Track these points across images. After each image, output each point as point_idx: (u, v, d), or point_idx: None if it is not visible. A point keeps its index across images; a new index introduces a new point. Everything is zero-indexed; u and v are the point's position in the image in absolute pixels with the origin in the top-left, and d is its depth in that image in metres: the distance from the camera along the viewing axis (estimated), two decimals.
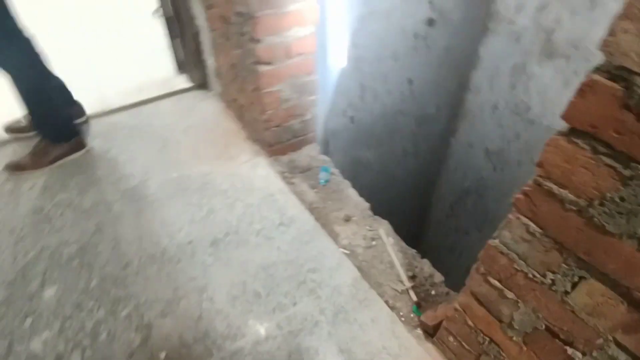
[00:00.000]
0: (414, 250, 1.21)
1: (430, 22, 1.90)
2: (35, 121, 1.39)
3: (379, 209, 1.37)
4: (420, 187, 2.67)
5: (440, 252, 2.71)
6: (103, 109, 1.69)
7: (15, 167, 1.40)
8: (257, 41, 1.13)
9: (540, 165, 0.51)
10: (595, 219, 0.48)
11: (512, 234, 0.60)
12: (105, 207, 1.30)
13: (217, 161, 1.46)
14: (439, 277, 1.14)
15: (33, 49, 1.29)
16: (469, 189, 2.46)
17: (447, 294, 1.11)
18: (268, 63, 1.20)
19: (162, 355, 0.95)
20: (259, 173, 1.41)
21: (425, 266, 1.17)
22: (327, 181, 1.40)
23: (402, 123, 2.27)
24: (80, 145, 1.48)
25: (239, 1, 1.12)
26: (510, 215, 0.59)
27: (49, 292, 1.07)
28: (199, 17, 1.53)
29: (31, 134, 1.47)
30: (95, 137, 1.56)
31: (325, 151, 1.86)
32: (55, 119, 1.39)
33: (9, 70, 1.24)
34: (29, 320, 1.02)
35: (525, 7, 1.81)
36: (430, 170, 2.62)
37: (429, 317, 0.99)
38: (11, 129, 1.54)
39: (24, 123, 1.52)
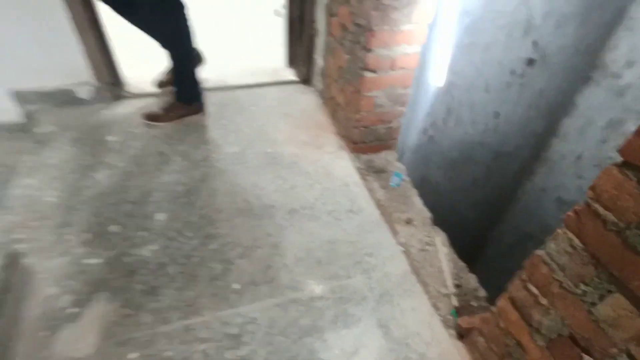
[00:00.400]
0: (464, 264, 1.31)
1: (530, 62, 1.95)
2: (177, 80, 1.71)
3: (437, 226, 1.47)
4: (482, 220, 2.67)
5: (488, 288, 2.68)
6: (221, 84, 2.00)
7: (150, 117, 1.74)
8: (369, 50, 1.32)
9: (592, 188, 0.62)
10: (630, 240, 0.58)
11: (557, 246, 0.70)
12: (210, 163, 1.57)
13: (306, 146, 1.67)
14: (482, 293, 1.23)
15: (186, 16, 1.54)
16: (531, 234, 2.42)
17: (486, 309, 1.19)
18: (373, 71, 1.38)
19: (235, 285, 1.17)
20: (340, 164, 1.60)
21: (472, 280, 1.26)
22: (397, 185, 1.54)
23: (479, 154, 2.32)
24: (201, 108, 1.78)
25: (361, 14, 1.31)
26: (559, 230, 0.70)
27: (160, 217, 1.35)
28: (319, 22, 1.76)
29: (169, 89, 1.81)
30: (212, 105, 1.86)
31: (400, 160, 2.00)
32: (191, 81, 1.70)
33: (167, 31, 1.53)
34: (143, 233, 1.29)
35: (636, 64, 1.79)
36: (496, 206, 2.62)
37: (464, 321, 1.09)
38: (159, 83, 1.89)
39: (165, 79, 1.86)
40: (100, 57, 1.69)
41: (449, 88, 1.94)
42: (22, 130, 1.72)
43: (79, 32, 1.61)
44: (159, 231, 1.30)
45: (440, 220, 1.80)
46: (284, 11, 2.00)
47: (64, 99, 1.76)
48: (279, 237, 1.31)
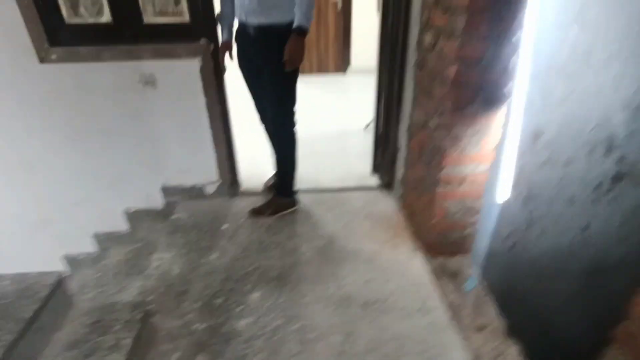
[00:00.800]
0: None
1: (618, 178, 1.95)
2: (281, 180, 2.12)
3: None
4: (574, 345, 2.40)
5: None
6: (314, 187, 2.36)
7: (255, 212, 2.13)
8: (442, 168, 1.55)
9: None
10: None
11: None
12: (300, 253, 1.84)
13: (384, 245, 1.86)
14: None
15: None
16: None
17: None
18: (446, 184, 1.58)
19: None
20: (414, 264, 1.74)
21: None
22: (471, 289, 1.61)
23: (572, 266, 2.22)
24: (295, 204, 2.13)
25: (436, 138, 1.58)
26: None
27: (255, 295, 1.61)
28: (401, 140, 2.08)
29: (272, 190, 2.22)
30: (306, 204, 2.20)
31: (484, 266, 2.03)
32: (292, 180, 2.09)
33: (286, 141, 1.98)
34: (240, 307, 1.55)
35: None
36: (594, 327, 2.35)
37: None
38: (266, 186, 2.33)
39: (271, 184, 2.29)
40: (227, 163, 2.20)
41: (528, 200, 2.01)
42: (163, 215, 2.23)
43: (215, 144, 2.15)
44: (253, 307, 1.54)
45: (525, 331, 1.73)
46: (370, 127, 2.38)
47: (195, 193, 2.26)
48: (352, 326, 1.45)
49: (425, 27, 1.63)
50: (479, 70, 1.36)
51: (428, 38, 1.60)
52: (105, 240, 2.29)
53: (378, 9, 2.44)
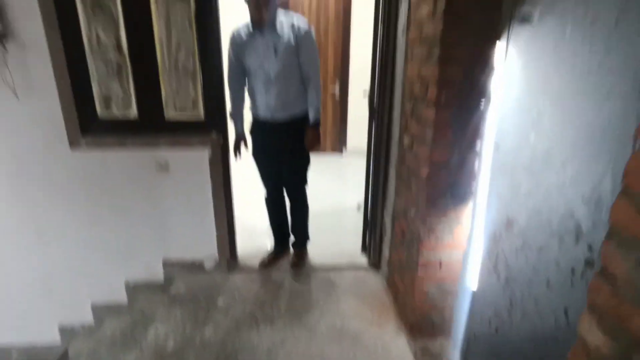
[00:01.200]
0: None
1: (589, 264, 2.10)
2: (303, 229, 2.51)
3: None
4: None
5: None
6: (309, 263, 2.51)
7: (296, 265, 2.46)
8: (421, 253, 1.72)
9: None
10: None
11: None
12: (290, 329, 1.93)
13: (370, 324, 1.96)
14: None
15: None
16: None
17: None
18: (425, 268, 1.74)
19: None
20: (397, 344, 1.83)
21: None
22: None
23: (556, 352, 2.27)
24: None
25: (414, 226, 1.77)
26: None
27: None
28: (387, 224, 2.28)
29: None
30: (301, 279, 2.33)
31: (465, 350, 2.09)
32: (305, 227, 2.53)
33: (303, 196, 2.39)
34: None
35: None
36: None
37: None
38: (262, 263, 2.49)
39: (267, 260, 2.48)
40: (226, 240, 2.37)
41: (507, 283, 2.14)
42: (161, 288, 2.34)
43: (216, 223, 2.34)
44: None
45: None
46: (360, 209, 2.60)
47: (194, 267, 2.40)
48: None
49: (404, 131, 1.92)
50: (447, 171, 1.60)
51: (406, 140, 1.88)
52: (103, 311, 2.37)
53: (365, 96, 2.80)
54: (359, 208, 3.41)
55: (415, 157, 1.75)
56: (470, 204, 1.69)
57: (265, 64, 2.02)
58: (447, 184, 1.63)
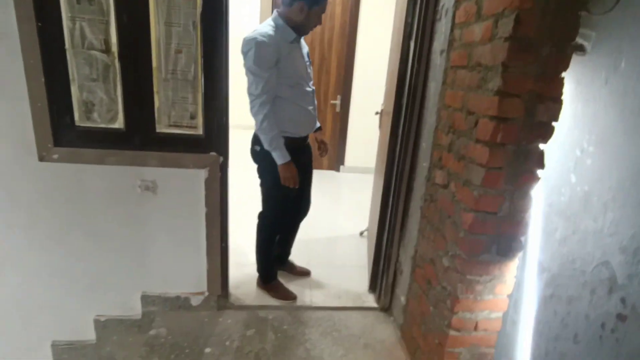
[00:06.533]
0: None
1: (622, 318, 1.90)
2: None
3: None
4: None
5: None
6: (309, 302, 2.21)
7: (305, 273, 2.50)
8: (454, 313, 1.46)
9: None
10: None
11: None
12: None
13: None
14: None
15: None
16: None
17: None
18: (457, 330, 1.48)
19: None
20: None
21: None
22: None
23: None
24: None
25: (447, 280, 1.52)
26: None
27: None
28: (404, 265, 2.01)
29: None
30: (298, 325, 2.03)
31: None
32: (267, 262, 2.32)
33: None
34: None
35: None
36: None
37: None
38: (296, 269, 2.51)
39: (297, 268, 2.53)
40: (218, 273, 2.06)
41: (535, 337, 1.92)
42: (138, 326, 2.00)
43: (208, 254, 2.02)
44: None
45: None
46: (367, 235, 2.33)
47: (178, 304, 2.08)
48: None
49: (436, 165, 1.67)
50: (495, 222, 1.36)
51: (439, 176, 1.63)
52: (65, 351, 2.02)
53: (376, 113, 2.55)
54: (362, 235, 3.15)
55: (452, 199, 1.50)
56: (516, 259, 1.45)
57: (305, 74, 1.94)
58: (493, 236, 1.38)
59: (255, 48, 1.72)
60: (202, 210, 1.94)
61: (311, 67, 2.02)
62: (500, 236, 1.38)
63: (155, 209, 1.91)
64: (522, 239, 1.41)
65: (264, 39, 1.73)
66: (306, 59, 1.97)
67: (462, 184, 1.43)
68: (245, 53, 1.77)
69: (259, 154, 1.96)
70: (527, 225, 1.40)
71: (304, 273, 2.49)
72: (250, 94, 1.80)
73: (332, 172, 4.79)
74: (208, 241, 1.99)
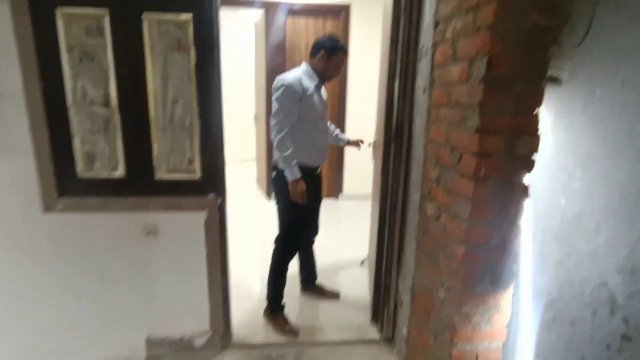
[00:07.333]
0: None
1: (627, 337, 1.88)
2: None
3: None
4: None
5: None
6: (312, 338, 2.22)
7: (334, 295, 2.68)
8: (454, 344, 1.47)
9: None
10: None
11: None
12: None
13: None
14: None
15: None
16: None
17: None
18: None
19: None
20: None
21: None
22: None
23: None
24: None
25: (444, 311, 1.54)
26: None
27: None
28: (403, 296, 2.03)
29: None
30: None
31: None
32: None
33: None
34: None
35: None
36: None
37: None
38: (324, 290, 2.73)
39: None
40: (221, 312, 2.08)
41: None
42: None
43: (210, 292, 2.05)
44: None
45: None
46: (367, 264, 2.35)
47: (183, 345, 2.08)
48: None
49: (427, 197, 1.72)
50: (486, 253, 1.39)
51: (431, 209, 1.68)
52: None
53: (370, 145, 2.62)
54: (362, 264, 3.17)
55: (443, 232, 1.54)
56: (511, 288, 1.47)
57: (323, 114, 2.28)
58: (486, 267, 1.41)
59: (285, 85, 2.08)
60: (203, 250, 1.98)
61: (327, 110, 2.37)
62: (492, 266, 1.41)
63: (157, 251, 1.96)
64: (514, 267, 1.44)
65: (292, 80, 2.10)
66: (325, 99, 2.34)
67: (452, 217, 1.47)
68: (277, 88, 2.11)
69: (275, 179, 2.26)
70: (518, 254, 1.44)
71: (334, 295, 2.68)
72: (273, 117, 2.12)
73: (332, 200, 4.85)
74: (209, 281, 2.03)
